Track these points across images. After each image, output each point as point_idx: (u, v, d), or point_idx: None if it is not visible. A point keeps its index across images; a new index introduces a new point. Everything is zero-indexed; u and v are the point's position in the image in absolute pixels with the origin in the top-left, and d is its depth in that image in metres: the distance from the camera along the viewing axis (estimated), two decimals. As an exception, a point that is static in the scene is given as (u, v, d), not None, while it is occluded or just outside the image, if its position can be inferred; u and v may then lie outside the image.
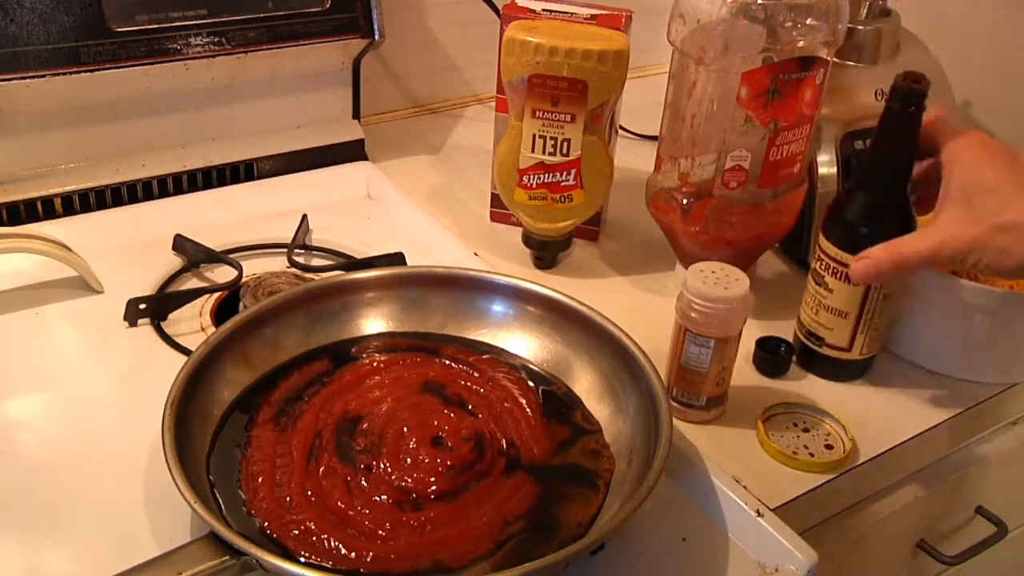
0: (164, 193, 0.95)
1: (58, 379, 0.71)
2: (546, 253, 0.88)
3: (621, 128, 0.98)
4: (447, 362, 0.70)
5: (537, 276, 0.74)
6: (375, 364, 0.70)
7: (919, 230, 0.66)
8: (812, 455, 0.68)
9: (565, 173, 0.81)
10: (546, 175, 0.82)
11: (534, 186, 0.82)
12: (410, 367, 0.69)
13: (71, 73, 0.84)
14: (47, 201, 0.89)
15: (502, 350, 0.72)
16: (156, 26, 0.87)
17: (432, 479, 0.59)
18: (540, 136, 0.80)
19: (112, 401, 0.69)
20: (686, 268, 0.71)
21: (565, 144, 0.80)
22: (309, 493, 0.58)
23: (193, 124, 0.95)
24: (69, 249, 0.80)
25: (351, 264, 0.85)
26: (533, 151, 0.81)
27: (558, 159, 0.81)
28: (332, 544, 0.55)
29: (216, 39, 0.90)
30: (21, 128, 0.86)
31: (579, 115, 0.79)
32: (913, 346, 0.78)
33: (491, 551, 0.55)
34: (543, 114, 0.80)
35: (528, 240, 0.87)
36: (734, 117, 0.75)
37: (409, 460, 0.60)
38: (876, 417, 0.73)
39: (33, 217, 0.89)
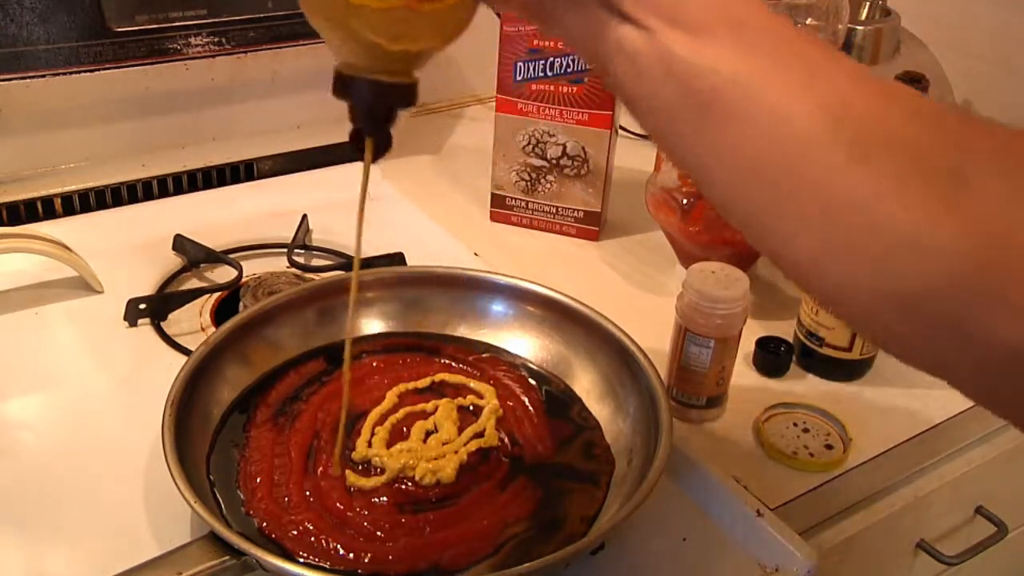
0: (164, 193, 0.95)
1: (58, 379, 0.71)
2: (379, 111, 0.49)
3: (621, 128, 0.98)
4: (447, 362, 0.70)
5: (536, 275, 0.73)
6: (375, 364, 0.69)
7: None
8: (812, 455, 0.68)
9: None
10: None
11: None
12: (410, 367, 0.69)
13: (71, 73, 0.84)
14: (47, 201, 0.89)
15: (502, 350, 0.72)
16: (156, 26, 0.87)
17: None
18: None
19: (112, 401, 0.69)
20: (686, 268, 0.71)
21: None
22: (308, 493, 0.58)
23: (193, 124, 0.95)
24: (69, 249, 0.80)
25: (351, 264, 0.85)
26: None
27: None
28: (331, 545, 0.55)
29: (216, 39, 0.90)
30: (21, 128, 0.86)
31: None
32: (913, 346, 0.78)
33: (490, 553, 0.55)
34: None
35: (347, 85, 0.48)
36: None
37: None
38: (876, 417, 0.72)
39: (33, 217, 0.89)
